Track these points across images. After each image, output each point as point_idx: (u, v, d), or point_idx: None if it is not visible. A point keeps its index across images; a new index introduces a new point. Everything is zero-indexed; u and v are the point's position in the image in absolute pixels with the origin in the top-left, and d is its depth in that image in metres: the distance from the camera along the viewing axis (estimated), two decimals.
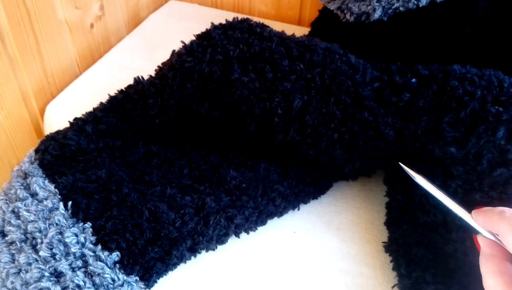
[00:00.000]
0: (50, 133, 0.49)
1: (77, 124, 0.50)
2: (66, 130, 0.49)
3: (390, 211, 0.44)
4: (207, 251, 0.42)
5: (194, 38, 0.51)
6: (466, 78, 0.40)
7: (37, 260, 0.37)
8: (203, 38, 0.50)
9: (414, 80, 0.41)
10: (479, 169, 0.37)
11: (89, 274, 0.36)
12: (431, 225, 0.39)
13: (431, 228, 0.39)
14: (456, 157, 0.38)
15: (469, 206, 0.35)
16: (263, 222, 0.44)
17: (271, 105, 0.42)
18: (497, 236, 0.32)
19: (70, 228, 0.38)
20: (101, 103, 0.53)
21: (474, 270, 0.35)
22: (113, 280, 0.35)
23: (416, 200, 0.41)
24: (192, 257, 0.41)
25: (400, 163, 0.39)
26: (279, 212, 0.45)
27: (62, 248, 0.37)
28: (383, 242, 0.43)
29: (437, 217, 0.38)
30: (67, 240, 0.37)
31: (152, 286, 0.38)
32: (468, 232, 0.35)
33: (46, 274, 0.36)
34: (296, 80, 0.42)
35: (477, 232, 0.34)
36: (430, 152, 0.39)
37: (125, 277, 0.36)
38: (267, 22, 0.55)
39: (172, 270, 0.40)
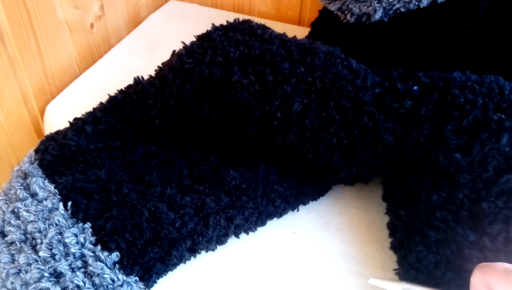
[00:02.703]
0: (50, 133, 0.49)
1: (77, 124, 0.50)
2: (66, 130, 0.49)
3: (394, 232, 0.41)
4: (206, 251, 0.42)
5: (194, 38, 0.51)
6: (466, 86, 0.40)
7: (37, 261, 0.37)
8: (203, 39, 0.49)
9: (416, 87, 0.41)
10: (485, 176, 0.37)
11: (88, 275, 0.36)
12: (444, 242, 0.37)
13: (444, 245, 0.36)
14: (461, 165, 0.38)
15: (477, 218, 0.34)
16: (263, 223, 0.44)
17: (270, 108, 0.42)
18: None
19: (70, 228, 0.38)
20: (101, 103, 0.53)
21: None
22: (113, 281, 0.35)
23: (421, 215, 0.39)
24: (192, 258, 0.41)
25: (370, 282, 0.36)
26: (278, 213, 0.45)
27: (61, 248, 0.37)
28: (394, 269, 0.40)
29: (447, 233, 0.36)
30: (66, 240, 0.37)
31: (151, 286, 0.38)
32: (481, 251, 0.33)
33: (46, 274, 0.36)
34: (296, 84, 0.42)
35: None
36: (433, 161, 0.39)
37: (124, 278, 0.36)
38: (267, 22, 0.55)
39: (172, 270, 0.40)
